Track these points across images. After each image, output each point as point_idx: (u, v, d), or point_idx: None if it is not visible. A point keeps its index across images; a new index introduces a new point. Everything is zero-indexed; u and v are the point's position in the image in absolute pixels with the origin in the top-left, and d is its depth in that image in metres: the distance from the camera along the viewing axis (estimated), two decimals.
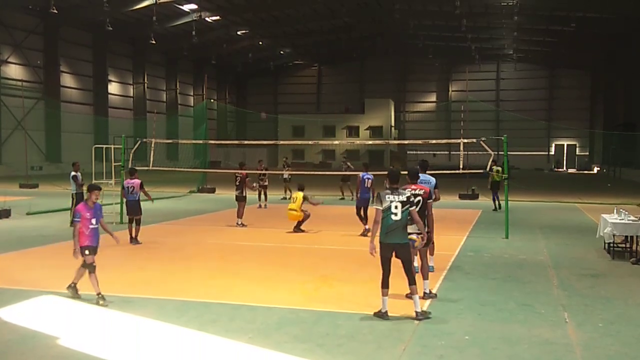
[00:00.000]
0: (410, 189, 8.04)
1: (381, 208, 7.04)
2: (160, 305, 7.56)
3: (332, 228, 15.29)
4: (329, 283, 7.79)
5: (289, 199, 22.78)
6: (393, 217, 7.01)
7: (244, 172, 15.85)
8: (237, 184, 15.65)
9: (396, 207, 7.01)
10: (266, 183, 20.84)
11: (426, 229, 8.12)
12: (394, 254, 7.06)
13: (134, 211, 12.88)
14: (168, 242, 13.07)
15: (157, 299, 7.90)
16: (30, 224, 15.67)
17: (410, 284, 7.13)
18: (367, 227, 13.69)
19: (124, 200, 13.52)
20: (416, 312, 7.04)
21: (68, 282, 8.94)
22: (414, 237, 7.42)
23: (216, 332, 6.50)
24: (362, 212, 14.10)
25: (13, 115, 41.11)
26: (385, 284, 7.06)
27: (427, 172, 9.73)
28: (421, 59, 65.99)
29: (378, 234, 7.09)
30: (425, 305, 7.66)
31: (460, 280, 9.27)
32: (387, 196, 7.06)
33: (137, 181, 13.14)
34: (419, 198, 7.98)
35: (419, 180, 9.22)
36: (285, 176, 23.56)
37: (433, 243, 9.47)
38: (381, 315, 7.03)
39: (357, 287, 7.55)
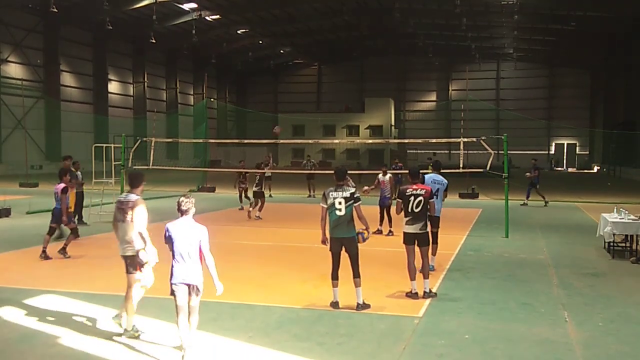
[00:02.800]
0: (411, 189, 8.05)
1: (326, 206, 7.39)
2: (159, 304, 7.55)
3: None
4: (328, 282, 7.79)
5: (269, 196, 23.60)
6: (337, 212, 7.32)
7: (261, 171, 17.67)
8: (257, 181, 17.11)
9: (340, 203, 7.31)
10: (245, 186, 19.53)
11: (428, 228, 8.16)
12: (343, 248, 7.37)
13: (55, 219, 11.10)
14: None
15: (157, 298, 7.88)
16: (30, 223, 15.67)
17: (354, 277, 7.40)
18: (379, 227, 13.90)
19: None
20: (358, 303, 7.36)
21: (68, 281, 8.95)
22: (361, 230, 7.52)
23: (216, 331, 6.51)
24: (384, 212, 14.16)
25: (13, 114, 41.13)
26: (334, 277, 7.43)
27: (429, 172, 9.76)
28: (421, 58, 65.97)
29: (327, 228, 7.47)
30: (425, 304, 7.67)
31: (460, 279, 9.27)
32: (330, 194, 7.40)
33: (60, 185, 11.09)
34: (420, 198, 7.98)
35: (432, 179, 9.23)
36: (268, 174, 23.99)
37: (436, 243, 9.50)
38: (333, 305, 7.40)
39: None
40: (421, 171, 8.83)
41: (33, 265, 10.16)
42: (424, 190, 8.08)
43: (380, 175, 14.50)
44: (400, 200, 8.12)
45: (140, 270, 6.35)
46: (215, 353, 5.94)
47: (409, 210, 8.01)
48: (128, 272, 6.43)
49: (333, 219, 7.33)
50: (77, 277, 9.28)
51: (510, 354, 5.90)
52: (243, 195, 19.53)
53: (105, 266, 10.15)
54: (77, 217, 15.24)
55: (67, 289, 8.35)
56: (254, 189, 17.17)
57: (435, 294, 8.10)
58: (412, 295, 7.95)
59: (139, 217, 6.20)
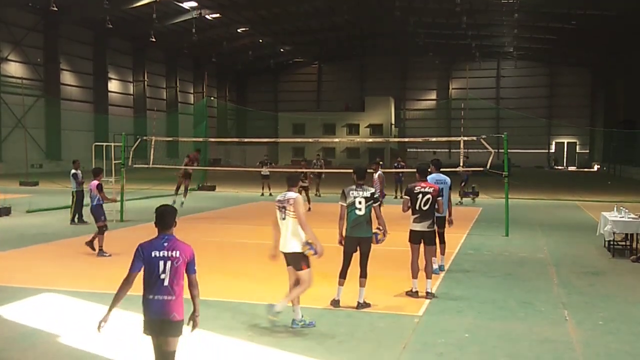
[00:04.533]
0: (419, 187, 8.04)
1: (345, 204, 7.36)
2: None
3: (332, 225, 15.28)
4: (329, 281, 7.79)
5: (269, 195, 23.72)
6: (357, 212, 7.30)
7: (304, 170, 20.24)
8: (304, 178, 19.19)
9: (360, 203, 7.30)
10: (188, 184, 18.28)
11: (435, 227, 8.17)
12: (358, 247, 7.39)
13: (95, 217, 11.27)
14: None
15: None
16: (30, 221, 15.67)
17: (361, 277, 7.41)
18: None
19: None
20: (358, 302, 7.40)
21: (68, 279, 8.95)
22: (377, 231, 7.47)
23: (216, 330, 6.51)
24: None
25: (13, 113, 41.10)
26: (343, 275, 7.47)
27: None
28: (421, 57, 65.89)
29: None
30: (426, 303, 7.67)
31: (460, 278, 9.27)
32: (351, 192, 7.37)
33: (94, 183, 11.44)
34: (428, 196, 7.97)
35: (435, 180, 9.23)
36: (266, 173, 24.09)
37: (444, 243, 9.50)
38: (333, 303, 7.43)
39: (357, 285, 7.56)
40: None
41: (33, 264, 10.16)
42: (432, 189, 8.07)
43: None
44: (407, 198, 8.10)
45: (305, 268, 6.60)
46: (216, 351, 5.94)
47: (417, 208, 7.99)
48: (289, 265, 6.72)
49: (352, 218, 7.30)
50: (78, 276, 9.28)
51: (510, 353, 5.90)
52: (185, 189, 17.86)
53: (106, 265, 10.16)
54: (77, 216, 15.28)
55: (68, 287, 8.35)
56: (302, 184, 18.79)
57: (434, 294, 8.07)
58: (412, 293, 7.95)
59: (302, 212, 6.55)
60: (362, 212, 7.27)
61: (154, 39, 48.99)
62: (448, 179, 9.61)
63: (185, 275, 4.37)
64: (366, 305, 7.36)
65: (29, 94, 41.58)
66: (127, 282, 4.33)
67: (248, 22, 53.61)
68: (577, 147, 65.16)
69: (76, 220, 15.22)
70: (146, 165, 17.70)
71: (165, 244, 4.34)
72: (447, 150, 62.42)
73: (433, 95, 70.65)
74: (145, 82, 57.09)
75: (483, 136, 14.86)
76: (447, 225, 9.49)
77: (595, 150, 59.53)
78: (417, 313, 7.23)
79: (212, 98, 64.27)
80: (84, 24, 47.42)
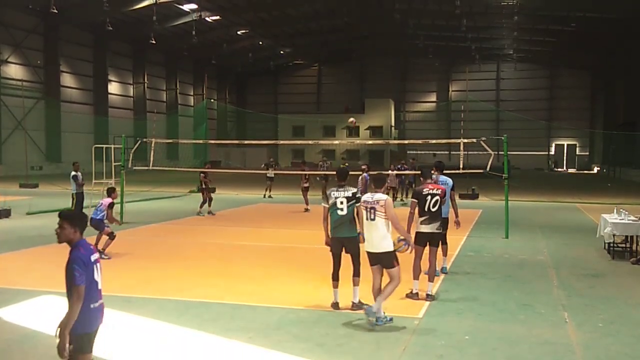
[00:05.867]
0: (427, 189, 8.06)
1: (327, 205, 7.38)
2: (160, 305, 7.57)
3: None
4: (328, 282, 7.79)
5: (269, 197, 23.72)
6: (339, 212, 7.30)
7: (307, 172, 20.02)
8: (307, 178, 19.60)
9: (341, 203, 7.29)
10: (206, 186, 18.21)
11: (442, 229, 8.22)
12: (343, 249, 7.35)
13: (98, 229, 11.13)
14: (168, 242, 13.08)
15: (157, 299, 7.91)
16: (30, 223, 15.67)
17: (354, 276, 7.41)
18: None
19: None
20: (353, 302, 7.41)
21: None
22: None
23: (216, 332, 6.51)
24: None
25: (13, 115, 41.14)
26: (335, 277, 7.44)
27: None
28: (421, 59, 65.99)
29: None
30: (425, 305, 7.67)
31: (460, 280, 9.27)
32: (332, 193, 7.38)
33: (107, 200, 11.37)
34: (437, 197, 7.99)
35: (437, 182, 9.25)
36: (271, 175, 24.03)
37: (446, 244, 9.50)
38: (333, 306, 7.41)
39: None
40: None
41: (33, 266, 10.16)
42: (440, 190, 8.11)
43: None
44: (415, 200, 8.11)
45: (396, 265, 6.80)
46: (215, 353, 5.95)
47: (426, 209, 8.00)
48: (375, 265, 6.87)
49: (335, 218, 7.30)
50: None
51: (510, 355, 5.90)
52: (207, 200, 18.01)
53: (105, 267, 10.13)
54: None
55: None
56: (304, 185, 19.44)
57: (434, 297, 8.06)
58: (412, 295, 7.95)
59: (393, 213, 6.76)
60: (344, 212, 7.25)
61: (154, 41, 49.06)
62: (450, 181, 9.64)
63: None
64: (362, 305, 7.32)
65: (29, 96, 41.64)
66: (82, 299, 3.97)
67: (248, 24, 53.68)
68: (577, 149, 65.20)
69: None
70: (146, 167, 17.71)
71: (91, 247, 4.23)
72: (447, 152, 62.47)
73: (433, 97, 70.69)
74: (145, 84, 57.15)
75: (483, 138, 14.87)
76: (455, 226, 9.54)
77: (595, 152, 59.55)
78: (417, 315, 7.23)
79: (212, 100, 64.36)
80: (84, 26, 47.48)
